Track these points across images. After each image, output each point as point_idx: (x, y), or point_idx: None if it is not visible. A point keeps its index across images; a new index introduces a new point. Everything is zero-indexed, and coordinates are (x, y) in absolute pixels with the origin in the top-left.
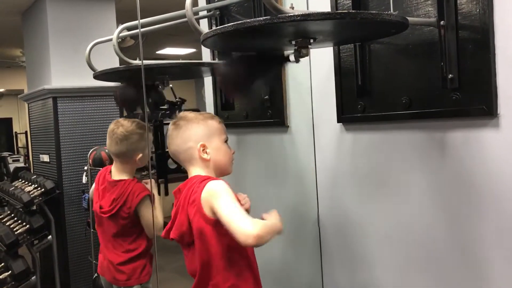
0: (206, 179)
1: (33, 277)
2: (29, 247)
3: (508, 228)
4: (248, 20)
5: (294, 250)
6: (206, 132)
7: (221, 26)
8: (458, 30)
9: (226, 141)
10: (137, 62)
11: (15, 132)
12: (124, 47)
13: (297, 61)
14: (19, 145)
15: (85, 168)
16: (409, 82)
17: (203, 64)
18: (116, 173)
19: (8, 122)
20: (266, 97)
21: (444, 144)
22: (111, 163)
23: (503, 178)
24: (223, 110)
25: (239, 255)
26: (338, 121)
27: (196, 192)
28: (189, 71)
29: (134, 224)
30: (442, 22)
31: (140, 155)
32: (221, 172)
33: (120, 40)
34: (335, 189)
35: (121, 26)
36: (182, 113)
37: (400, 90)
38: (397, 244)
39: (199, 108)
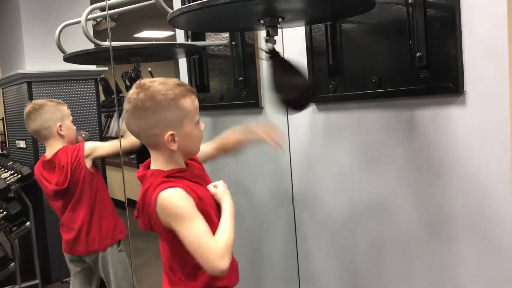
0: (159, 184)
1: (12, 264)
2: (7, 234)
3: (474, 202)
4: None
5: (270, 228)
6: (178, 116)
7: (186, 5)
8: (425, 8)
9: (198, 122)
10: (107, 43)
11: None
12: (101, 30)
13: (272, 42)
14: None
15: None
16: (379, 61)
17: (174, 45)
18: (50, 152)
19: None
20: (241, 78)
21: (413, 122)
22: None
23: (470, 154)
24: (198, 92)
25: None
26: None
27: (150, 202)
28: (163, 53)
29: (90, 178)
30: (410, 0)
31: (59, 124)
32: (187, 155)
33: (95, 22)
34: (308, 168)
35: (89, 7)
36: (148, 85)
37: (370, 69)
38: (368, 221)
39: None
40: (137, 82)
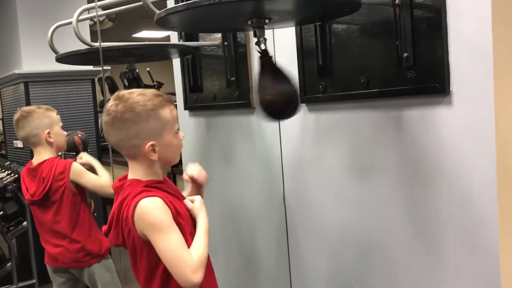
0: (139, 193)
1: (9, 264)
2: (4, 234)
3: (459, 202)
4: (196, 0)
5: (261, 229)
6: (157, 127)
7: (172, 6)
8: (412, 9)
9: (177, 131)
10: (107, 44)
11: None
12: (101, 30)
13: (263, 42)
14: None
15: (59, 153)
16: (367, 61)
17: (165, 45)
18: (37, 160)
19: None
20: (233, 78)
21: (401, 122)
22: (84, 148)
23: (456, 154)
24: (191, 92)
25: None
26: (301, 102)
27: (128, 210)
28: (155, 53)
29: (74, 199)
30: (397, 1)
31: (47, 131)
32: (167, 165)
33: (92, 22)
34: (299, 168)
35: (80, 8)
36: (126, 96)
37: (358, 69)
38: (358, 222)
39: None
40: (115, 94)
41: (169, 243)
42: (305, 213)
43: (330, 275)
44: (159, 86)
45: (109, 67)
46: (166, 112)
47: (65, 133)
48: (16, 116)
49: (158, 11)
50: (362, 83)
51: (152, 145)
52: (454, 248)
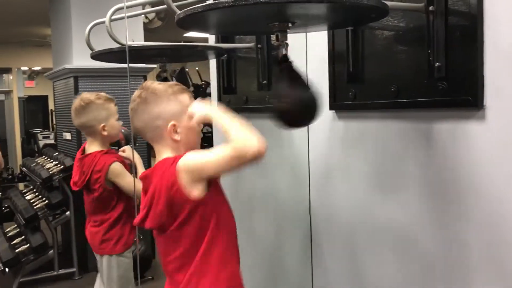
0: (175, 159)
1: (51, 251)
2: (48, 222)
3: (490, 222)
4: (215, 2)
5: (285, 238)
6: (178, 109)
7: (190, 7)
8: (447, 16)
9: None
10: (134, 43)
11: (51, 109)
12: (152, 28)
13: (283, 46)
14: (54, 122)
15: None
16: (398, 70)
17: (196, 46)
18: (88, 148)
19: (44, 99)
20: (265, 81)
21: (430, 136)
22: (127, 143)
23: (487, 173)
24: (225, 94)
25: (224, 237)
26: (330, 109)
27: (172, 175)
28: (188, 53)
29: (108, 195)
30: (431, 8)
31: (102, 124)
32: (189, 149)
33: (147, 21)
34: (327, 177)
35: (114, 7)
36: (149, 85)
37: (389, 77)
38: (384, 234)
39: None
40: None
41: (218, 150)
42: (330, 224)
43: (354, 287)
44: (206, 85)
45: (155, 66)
46: (185, 97)
47: (121, 123)
48: (75, 104)
49: (178, 11)
50: (392, 92)
51: (174, 125)
52: (480, 271)
